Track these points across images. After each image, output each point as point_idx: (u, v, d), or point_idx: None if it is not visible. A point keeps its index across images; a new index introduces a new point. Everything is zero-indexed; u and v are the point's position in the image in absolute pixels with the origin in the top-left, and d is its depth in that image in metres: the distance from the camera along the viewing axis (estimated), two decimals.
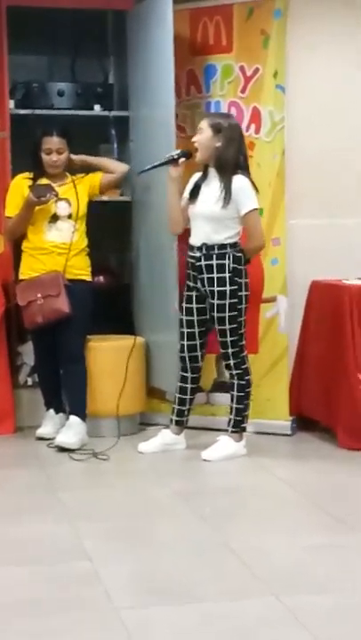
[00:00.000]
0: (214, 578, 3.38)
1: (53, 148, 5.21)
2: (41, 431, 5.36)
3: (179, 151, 4.99)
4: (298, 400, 5.48)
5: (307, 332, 5.52)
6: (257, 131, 5.41)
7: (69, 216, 5.25)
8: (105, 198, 5.53)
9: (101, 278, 5.70)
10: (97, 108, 5.72)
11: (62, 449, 5.06)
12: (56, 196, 5.18)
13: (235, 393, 4.96)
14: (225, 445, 4.96)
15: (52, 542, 3.75)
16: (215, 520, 4.01)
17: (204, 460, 4.89)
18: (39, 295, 5.15)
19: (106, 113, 5.74)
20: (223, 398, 5.47)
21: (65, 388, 5.38)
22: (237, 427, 4.98)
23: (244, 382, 4.95)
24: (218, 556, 3.60)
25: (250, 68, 5.40)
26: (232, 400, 4.98)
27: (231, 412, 4.98)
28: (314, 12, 5.58)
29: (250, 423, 5.10)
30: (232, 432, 4.98)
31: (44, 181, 5.23)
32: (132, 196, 5.69)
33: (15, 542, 3.75)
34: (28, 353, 5.60)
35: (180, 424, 5.08)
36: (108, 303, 5.70)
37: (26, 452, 5.14)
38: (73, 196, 5.25)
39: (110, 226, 5.71)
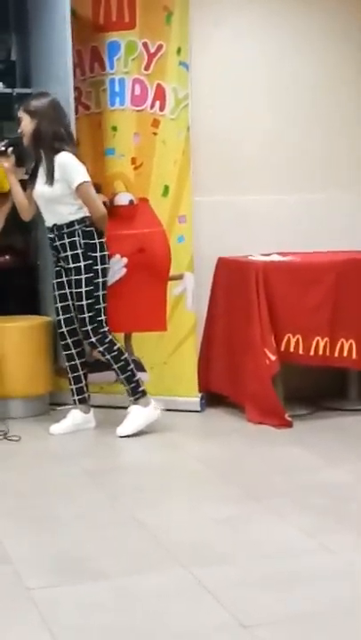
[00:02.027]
0: (123, 553, 3.40)
1: None
2: None
3: (4, 142, 5.04)
4: (206, 376, 5.52)
5: (214, 309, 5.55)
6: (161, 108, 5.40)
7: None
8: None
9: (7, 258, 5.63)
10: (0, 85, 5.64)
11: None
12: None
13: (114, 366, 4.94)
14: (135, 416, 4.97)
15: None
16: (124, 496, 4.03)
17: (120, 437, 4.90)
18: None
19: (9, 90, 5.66)
20: None
21: None
22: (136, 393, 4.97)
23: (115, 352, 4.93)
24: (127, 531, 3.62)
25: (153, 45, 5.38)
26: (117, 374, 4.97)
27: (123, 383, 4.99)
28: None
29: (159, 400, 5.11)
30: (135, 400, 4.98)
31: None
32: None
33: None
34: None
35: (84, 401, 5.08)
36: (14, 283, 5.64)
37: None
38: None
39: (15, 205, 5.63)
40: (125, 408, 5.06)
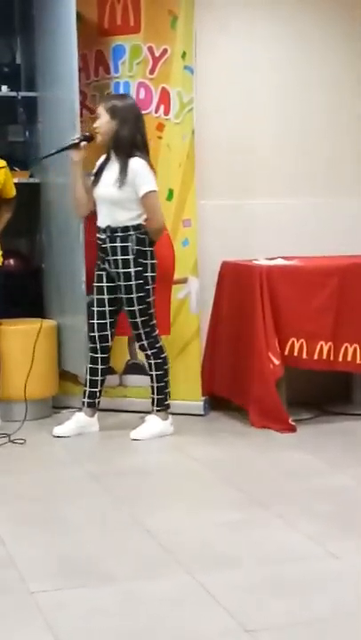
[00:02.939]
0: (128, 557, 3.40)
1: None
2: None
3: (80, 135, 4.99)
4: (210, 380, 5.53)
5: (218, 313, 5.56)
6: (166, 112, 5.40)
7: None
8: (15, 180, 5.46)
9: (11, 261, 5.64)
10: (4, 88, 5.65)
11: None
12: None
13: (153, 372, 4.99)
14: (153, 424, 5.00)
15: None
16: (128, 500, 4.03)
17: (133, 440, 4.92)
18: None
19: (13, 93, 5.67)
20: (136, 380, 5.50)
21: None
22: (161, 405, 5.02)
23: (160, 360, 4.98)
24: (131, 535, 3.62)
25: (158, 49, 5.39)
26: (152, 380, 5.00)
27: (153, 391, 5.01)
28: None
29: None
30: (157, 411, 5.01)
31: None
32: (41, 178, 5.64)
33: None
34: None
35: (93, 406, 5.08)
36: (19, 286, 5.65)
37: None
38: None
39: (20, 208, 5.64)
40: (133, 412, 5.06)
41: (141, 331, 4.93)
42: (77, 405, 5.27)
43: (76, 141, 4.95)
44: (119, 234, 4.85)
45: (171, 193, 5.41)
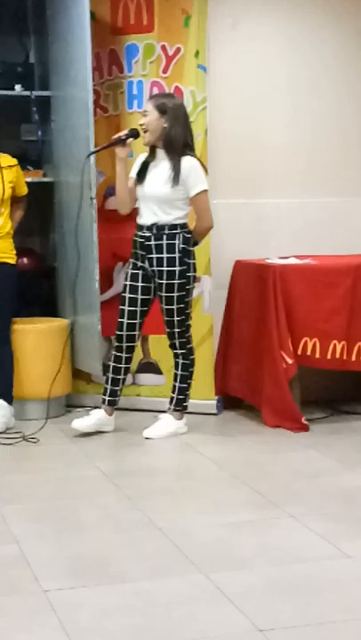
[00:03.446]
0: (142, 557, 3.41)
1: None
2: None
3: (127, 131, 4.97)
4: (223, 379, 5.53)
5: (231, 312, 5.56)
6: None
7: None
8: (28, 179, 5.47)
9: (25, 260, 5.65)
10: (18, 87, 5.65)
11: None
12: None
13: (178, 372, 4.99)
14: (166, 424, 5.01)
15: None
16: (142, 499, 4.03)
17: (146, 438, 4.94)
18: None
19: (27, 93, 5.67)
20: (149, 379, 5.51)
21: None
22: (180, 405, 5.03)
23: (188, 362, 4.99)
24: (145, 535, 3.62)
25: (171, 48, 5.39)
26: (175, 379, 5.01)
27: (174, 390, 5.02)
28: None
29: None
30: (174, 410, 5.02)
31: None
32: (54, 177, 5.65)
33: None
34: None
35: (113, 404, 5.08)
36: (33, 286, 5.66)
37: None
38: None
39: (33, 207, 5.65)
40: (146, 411, 5.07)
41: (176, 330, 4.94)
42: (90, 404, 5.29)
43: (123, 137, 4.92)
44: (166, 231, 4.84)
45: None
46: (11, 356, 5.27)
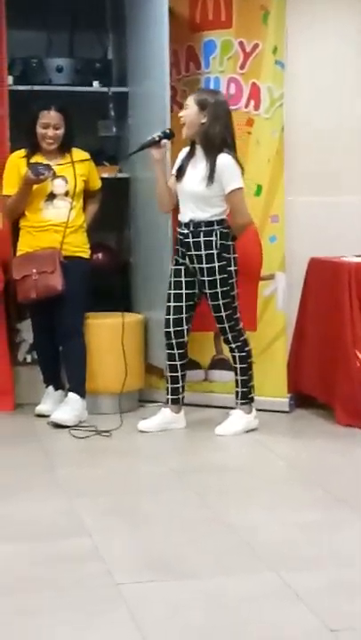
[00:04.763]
0: (212, 554, 3.41)
1: (51, 123, 5.18)
2: (40, 408, 5.37)
3: (160, 132, 4.99)
4: (296, 377, 5.50)
5: (305, 310, 5.53)
6: (256, 107, 5.39)
7: (66, 194, 5.24)
8: (104, 175, 5.52)
9: (100, 255, 5.69)
10: (95, 84, 5.70)
11: (58, 425, 5.08)
12: (54, 174, 5.16)
13: (238, 365, 4.99)
14: (237, 419, 5.01)
15: (51, 519, 3.77)
16: (212, 496, 4.04)
17: (219, 436, 4.93)
18: (34, 270, 5.15)
19: (104, 89, 5.72)
20: (221, 375, 5.50)
21: (64, 364, 5.38)
22: (245, 398, 5.02)
23: (244, 354, 4.98)
24: (215, 531, 3.63)
25: (249, 44, 5.37)
26: (236, 373, 5.00)
27: (237, 384, 5.01)
28: None
29: None
30: (241, 404, 5.01)
31: (39, 160, 5.20)
32: (130, 173, 5.68)
33: (15, 520, 3.77)
34: (27, 330, 5.60)
35: (177, 402, 5.09)
36: (107, 280, 5.70)
37: (25, 429, 5.16)
38: (70, 173, 5.23)
39: (109, 203, 5.70)
40: (218, 407, 5.07)
41: (226, 325, 4.94)
42: (163, 400, 5.30)
43: (157, 139, 4.95)
44: (203, 228, 4.85)
45: (259, 189, 5.40)
46: (84, 350, 5.31)
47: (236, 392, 5.03)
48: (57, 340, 5.31)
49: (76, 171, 5.22)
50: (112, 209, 5.80)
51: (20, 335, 5.67)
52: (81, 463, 4.60)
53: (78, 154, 5.30)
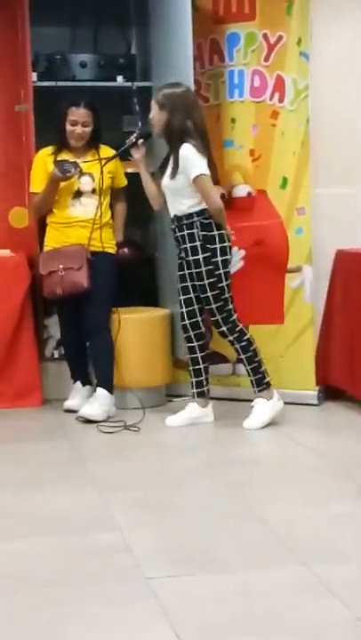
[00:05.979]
0: (242, 547, 3.40)
1: (79, 120, 5.19)
2: (68, 403, 5.39)
3: (135, 134, 5.05)
4: (324, 370, 5.48)
5: (332, 302, 5.50)
6: (281, 99, 5.37)
7: (93, 191, 5.25)
8: (129, 170, 5.51)
9: (126, 251, 5.69)
10: (120, 79, 5.71)
11: (87, 420, 5.10)
12: (80, 171, 5.17)
13: (243, 356, 4.95)
14: (260, 409, 4.97)
15: (81, 513, 3.78)
16: (241, 489, 4.03)
17: (247, 430, 4.92)
18: (61, 266, 5.17)
19: (129, 84, 5.72)
20: None
21: (91, 360, 5.40)
22: (261, 384, 4.98)
23: (245, 343, 4.94)
24: (246, 525, 3.62)
25: (273, 36, 5.35)
26: (244, 364, 4.98)
27: (248, 374, 4.99)
28: None
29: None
30: (260, 391, 4.98)
31: (67, 157, 5.21)
32: (154, 168, 5.67)
33: (44, 513, 3.78)
34: (54, 326, 5.62)
35: (203, 395, 5.09)
36: (133, 275, 5.70)
37: (53, 424, 5.18)
38: (97, 170, 5.24)
39: (134, 198, 5.70)
40: (246, 401, 5.06)
41: (218, 317, 4.92)
42: (190, 394, 5.29)
43: (134, 140, 5.01)
44: (184, 221, 4.87)
45: (285, 181, 5.38)
46: (111, 345, 5.31)
47: (251, 381, 4.99)
48: (83, 335, 5.32)
49: (103, 168, 5.22)
50: (137, 204, 5.79)
51: (47, 331, 5.69)
52: (110, 457, 4.61)
53: (105, 151, 5.30)
